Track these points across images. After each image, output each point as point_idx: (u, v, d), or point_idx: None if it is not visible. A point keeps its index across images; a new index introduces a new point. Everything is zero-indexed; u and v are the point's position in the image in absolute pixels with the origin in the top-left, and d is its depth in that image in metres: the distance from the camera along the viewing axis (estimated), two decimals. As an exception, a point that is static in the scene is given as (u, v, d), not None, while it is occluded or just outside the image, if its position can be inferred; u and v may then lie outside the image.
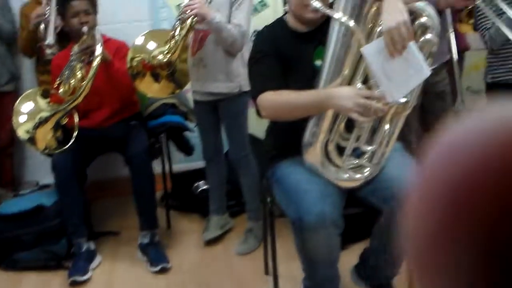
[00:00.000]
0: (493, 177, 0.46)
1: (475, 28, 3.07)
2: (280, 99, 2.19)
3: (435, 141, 0.53)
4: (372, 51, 2.02)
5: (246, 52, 2.88)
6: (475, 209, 0.46)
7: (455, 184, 0.48)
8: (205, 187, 3.67)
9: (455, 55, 3.09)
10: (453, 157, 0.49)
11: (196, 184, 3.75)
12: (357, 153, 2.25)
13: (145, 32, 3.14)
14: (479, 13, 2.92)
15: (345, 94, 2.02)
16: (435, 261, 0.50)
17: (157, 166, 3.51)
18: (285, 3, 2.95)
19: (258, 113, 2.28)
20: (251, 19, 3.15)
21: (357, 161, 2.27)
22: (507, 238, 0.44)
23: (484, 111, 0.51)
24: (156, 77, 3.08)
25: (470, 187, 0.46)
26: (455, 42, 3.09)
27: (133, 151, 3.19)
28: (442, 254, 0.49)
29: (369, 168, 2.25)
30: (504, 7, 2.76)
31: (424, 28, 2.10)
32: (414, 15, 2.05)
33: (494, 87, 3.03)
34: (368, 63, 2.03)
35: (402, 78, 2.05)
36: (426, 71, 2.09)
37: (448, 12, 3.03)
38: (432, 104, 2.99)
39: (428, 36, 2.10)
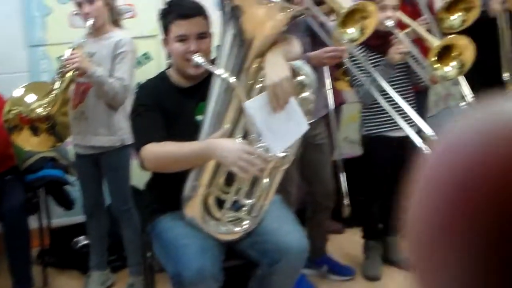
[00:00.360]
0: (494, 176, 0.45)
1: (351, 84, 3.25)
2: (164, 150, 2.19)
3: (435, 140, 0.53)
4: (255, 106, 2.08)
5: (128, 105, 2.87)
6: (476, 208, 0.46)
7: (456, 182, 0.48)
8: (85, 242, 3.56)
9: (332, 110, 3.25)
10: (454, 156, 0.49)
11: (76, 239, 3.63)
12: (237, 206, 2.29)
13: (24, 84, 3.06)
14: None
15: (229, 147, 2.05)
16: (435, 260, 0.50)
17: (34, 222, 3.37)
18: (169, 56, 2.99)
19: (142, 165, 2.26)
20: (134, 72, 3.15)
21: (236, 214, 2.30)
22: (508, 238, 0.44)
23: (484, 109, 0.51)
24: (35, 131, 3.00)
25: (471, 186, 0.47)
26: (332, 97, 3.25)
27: (7, 206, 3.05)
28: (443, 253, 0.49)
29: (248, 221, 2.29)
30: (370, 68, 2.96)
31: (302, 86, 2.20)
32: (292, 73, 2.15)
33: (369, 139, 3.20)
34: (251, 118, 2.08)
35: (284, 132, 2.13)
36: (305, 125, 2.19)
37: (325, 69, 3.20)
38: (311, 156, 3.10)
39: (305, 94, 2.20)
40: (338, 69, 3.55)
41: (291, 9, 2.15)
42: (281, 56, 2.08)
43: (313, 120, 2.91)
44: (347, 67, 3.15)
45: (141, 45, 3.63)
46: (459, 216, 0.47)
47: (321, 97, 3.13)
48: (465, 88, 3.23)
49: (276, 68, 2.06)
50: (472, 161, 0.47)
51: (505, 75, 3.45)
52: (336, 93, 3.46)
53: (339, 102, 3.64)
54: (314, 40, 2.99)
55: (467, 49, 2.90)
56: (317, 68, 2.97)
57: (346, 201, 3.24)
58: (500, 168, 0.45)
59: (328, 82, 3.23)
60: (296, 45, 2.23)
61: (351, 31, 2.91)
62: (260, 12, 2.06)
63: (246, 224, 2.29)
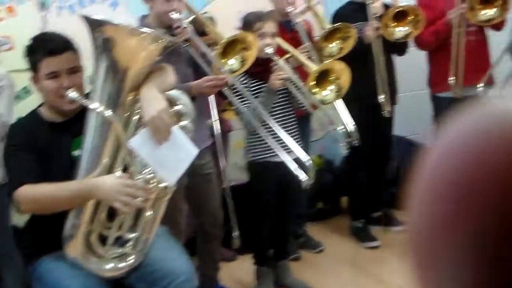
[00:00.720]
0: (494, 176, 0.45)
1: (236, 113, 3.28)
2: (40, 192, 2.12)
3: (436, 137, 0.52)
4: (139, 142, 2.07)
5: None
6: (477, 208, 0.46)
7: (457, 183, 0.48)
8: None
9: (218, 139, 3.27)
10: (454, 157, 0.49)
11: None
12: (121, 241, 2.24)
13: None
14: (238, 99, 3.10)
15: (108, 184, 2.03)
16: (436, 261, 0.49)
17: None
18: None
19: (17, 208, 2.17)
20: (13, 107, 3.03)
21: (121, 250, 2.25)
22: (509, 238, 0.44)
23: (484, 109, 0.51)
24: None
25: (472, 186, 0.46)
26: (218, 127, 3.28)
27: None
28: (444, 253, 0.48)
29: (133, 256, 2.25)
30: (250, 96, 3.00)
31: (180, 115, 2.20)
32: (170, 103, 2.15)
33: (254, 165, 3.24)
34: (139, 155, 2.07)
35: (174, 161, 2.14)
36: (193, 150, 2.21)
37: (211, 99, 3.22)
38: (199, 186, 3.09)
39: (184, 122, 2.20)
40: (224, 100, 3.58)
41: (164, 39, 2.15)
42: (155, 88, 2.08)
43: (199, 150, 2.93)
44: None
45: (20, 78, 3.50)
46: (460, 216, 0.47)
47: (205, 128, 3.15)
48: (343, 112, 3.36)
49: (152, 101, 2.06)
50: (472, 161, 0.47)
51: (381, 97, 3.63)
52: (223, 121, 3.49)
53: (226, 130, 3.67)
54: (196, 71, 3.00)
55: (343, 73, 3.03)
56: (202, 98, 2.99)
57: (235, 233, 3.25)
58: (500, 169, 0.45)
59: (214, 112, 3.25)
60: (170, 74, 2.24)
61: (232, 62, 2.96)
62: (132, 43, 2.06)
63: (131, 259, 2.24)
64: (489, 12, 3.62)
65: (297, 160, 2.98)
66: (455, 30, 3.66)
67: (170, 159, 2.11)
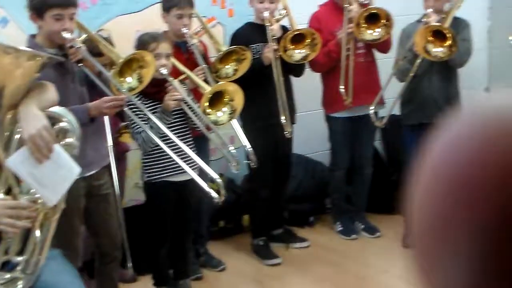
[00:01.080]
0: (493, 172, 0.46)
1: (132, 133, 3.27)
2: None
3: (437, 134, 0.53)
4: (17, 161, 2.01)
5: None
6: (475, 202, 0.47)
7: (458, 177, 0.48)
8: None
9: (114, 159, 3.25)
10: (456, 151, 0.50)
11: None
12: (10, 266, 2.18)
13: None
14: (131, 119, 3.10)
15: None
16: (438, 255, 0.50)
17: None
18: None
19: None
20: None
21: (9, 275, 2.18)
22: (508, 232, 0.45)
23: (487, 105, 0.52)
24: None
25: (472, 182, 0.47)
26: (112, 148, 3.26)
27: None
28: (444, 248, 0.49)
29: (23, 280, 2.18)
30: (148, 113, 3.01)
31: (64, 132, 2.17)
32: (53, 120, 2.10)
33: (151, 185, 3.24)
34: (18, 174, 2.01)
35: (55, 181, 2.07)
36: (76, 169, 2.16)
37: (106, 122, 3.20)
38: (97, 207, 3.04)
39: (69, 139, 2.17)
40: (121, 121, 3.55)
41: (41, 56, 2.12)
42: (34, 106, 2.04)
43: (96, 170, 2.90)
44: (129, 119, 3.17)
45: None
46: (460, 214, 0.48)
47: (103, 147, 3.12)
48: (239, 132, 3.42)
49: (30, 119, 2.01)
50: (472, 160, 0.48)
51: (282, 118, 3.72)
52: (120, 143, 3.46)
53: (124, 150, 3.65)
54: (92, 90, 2.97)
55: (236, 94, 3.09)
56: (100, 118, 2.96)
57: (129, 263, 3.21)
58: (500, 165, 0.46)
59: (109, 137, 3.23)
60: (52, 91, 2.19)
61: (129, 80, 2.96)
62: (6, 61, 2.00)
63: (20, 284, 2.17)
64: (375, 32, 3.82)
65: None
66: (344, 51, 3.83)
67: (51, 177, 2.06)
